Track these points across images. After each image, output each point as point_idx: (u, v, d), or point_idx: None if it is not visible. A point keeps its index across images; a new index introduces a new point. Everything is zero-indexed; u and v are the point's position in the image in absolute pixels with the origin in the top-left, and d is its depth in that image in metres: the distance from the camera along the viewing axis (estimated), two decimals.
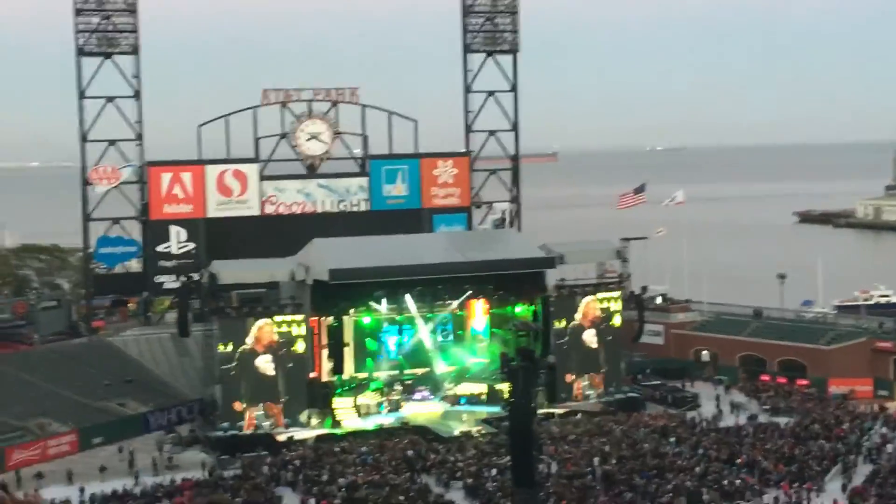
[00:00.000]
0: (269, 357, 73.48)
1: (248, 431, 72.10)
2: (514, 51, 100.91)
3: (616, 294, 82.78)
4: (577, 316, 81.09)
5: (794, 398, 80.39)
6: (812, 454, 64.44)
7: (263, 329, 73.34)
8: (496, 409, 74.82)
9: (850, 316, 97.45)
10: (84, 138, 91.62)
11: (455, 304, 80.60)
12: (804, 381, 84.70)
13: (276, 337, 73.53)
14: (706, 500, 57.13)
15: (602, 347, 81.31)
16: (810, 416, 74.16)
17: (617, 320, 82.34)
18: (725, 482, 59.62)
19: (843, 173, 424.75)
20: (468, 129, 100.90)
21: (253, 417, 72.72)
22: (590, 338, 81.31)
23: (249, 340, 73.10)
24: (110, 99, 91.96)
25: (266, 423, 72.79)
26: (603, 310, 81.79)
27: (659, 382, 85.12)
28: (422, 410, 77.48)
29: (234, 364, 72.62)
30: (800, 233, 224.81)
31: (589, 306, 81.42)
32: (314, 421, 73.96)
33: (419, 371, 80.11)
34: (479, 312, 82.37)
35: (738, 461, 63.36)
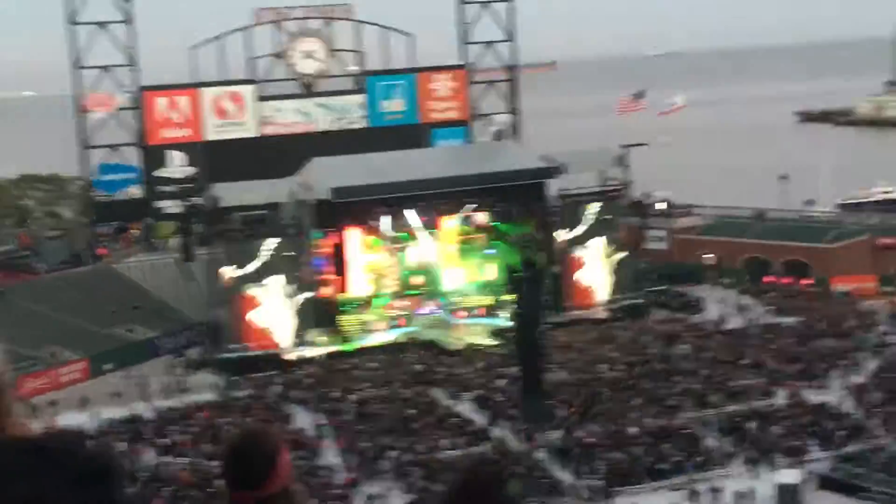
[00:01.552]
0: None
1: (256, 352, 72.61)
2: None
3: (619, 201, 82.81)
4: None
5: (799, 298, 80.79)
6: (817, 352, 64.99)
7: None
8: (502, 321, 75.50)
9: (852, 214, 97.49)
10: (77, 66, 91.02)
11: (456, 217, 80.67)
12: (808, 281, 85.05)
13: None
14: (712, 401, 57.75)
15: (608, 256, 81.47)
16: (815, 314, 74.61)
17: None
18: (731, 383, 60.23)
19: (843, 71, 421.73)
20: (464, 42, 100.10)
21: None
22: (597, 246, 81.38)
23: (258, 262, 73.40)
24: (102, 25, 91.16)
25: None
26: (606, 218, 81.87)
27: (664, 288, 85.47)
28: (429, 325, 77.97)
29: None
30: (800, 132, 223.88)
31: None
32: (322, 339, 74.46)
33: (425, 286, 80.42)
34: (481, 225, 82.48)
35: (744, 362, 63.93)
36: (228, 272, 72.91)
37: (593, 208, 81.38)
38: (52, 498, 2.62)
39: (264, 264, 73.53)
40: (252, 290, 73.19)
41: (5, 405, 2.93)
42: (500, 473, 4.03)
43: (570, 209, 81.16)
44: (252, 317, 73.42)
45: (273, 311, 73.67)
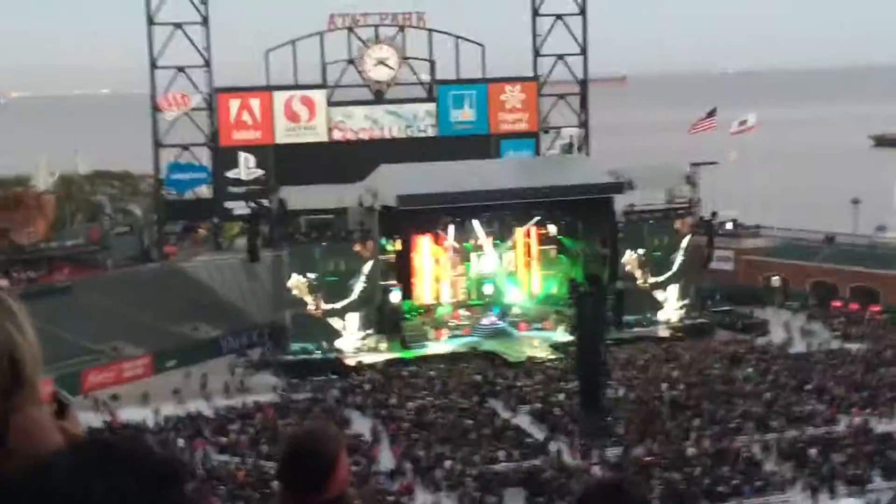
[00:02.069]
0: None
1: (317, 355, 73.03)
2: None
3: (686, 219, 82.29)
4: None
5: (867, 325, 79.62)
6: (884, 381, 63.98)
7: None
8: (564, 335, 75.27)
9: None
10: (153, 65, 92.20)
11: (522, 229, 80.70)
12: (877, 308, 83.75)
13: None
14: (774, 425, 57.08)
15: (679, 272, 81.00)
16: (883, 342, 73.48)
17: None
18: (794, 408, 59.49)
19: None
20: (536, 54, 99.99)
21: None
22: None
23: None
24: (178, 25, 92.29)
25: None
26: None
27: (728, 308, 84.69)
28: (490, 335, 77.93)
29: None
30: (875, 156, 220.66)
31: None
32: (383, 345, 74.73)
33: (488, 297, 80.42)
34: (547, 238, 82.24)
35: (808, 387, 63.13)
36: (297, 282, 73.38)
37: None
38: (124, 501, 2.67)
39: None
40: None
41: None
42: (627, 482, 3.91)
43: (636, 226, 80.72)
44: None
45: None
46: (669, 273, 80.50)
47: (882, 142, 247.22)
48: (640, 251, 79.85)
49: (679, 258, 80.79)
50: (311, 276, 73.49)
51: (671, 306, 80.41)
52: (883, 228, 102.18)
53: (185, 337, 77.15)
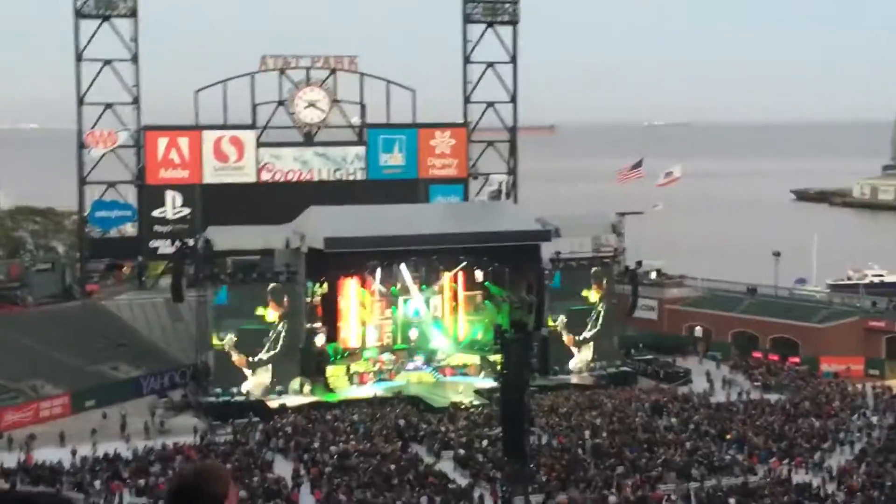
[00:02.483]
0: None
1: (240, 397, 72.32)
2: (514, 22, 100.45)
3: (610, 268, 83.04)
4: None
5: (786, 376, 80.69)
6: (802, 431, 64.80)
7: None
8: (489, 381, 75.29)
9: (843, 294, 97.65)
10: (81, 101, 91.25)
11: (449, 275, 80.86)
12: (796, 359, 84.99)
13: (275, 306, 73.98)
14: (695, 474, 57.46)
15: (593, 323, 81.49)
16: (801, 393, 74.49)
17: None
18: (715, 457, 59.97)
19: (841, 152, 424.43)
20: (466, 100, 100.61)
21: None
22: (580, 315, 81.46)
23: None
24: (108, 62, 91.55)
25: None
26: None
27: (651, 357, 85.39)
28: (414, 380, 77.74)
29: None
30: (796, 210, 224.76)
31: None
32: (306, 388, 74.21)
33: (414, 341, 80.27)
34: (473, 284, 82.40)
35: (728, 437, 63.72)
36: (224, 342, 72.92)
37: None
38: None
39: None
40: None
41: None
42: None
43: (562, 273, 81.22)
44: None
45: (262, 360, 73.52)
46: (586, 333, 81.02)
47: (803, 196, 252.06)
48: (562, 317, 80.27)
49: (596, 320, 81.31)
50: (233, 336, 72.82)
51: (583, 357, 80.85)
52: (802, 281, 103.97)
53: (105, 376, 75.97)
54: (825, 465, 59.55)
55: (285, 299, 74.29)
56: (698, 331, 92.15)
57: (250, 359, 73.24)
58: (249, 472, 57.14)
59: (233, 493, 4.37)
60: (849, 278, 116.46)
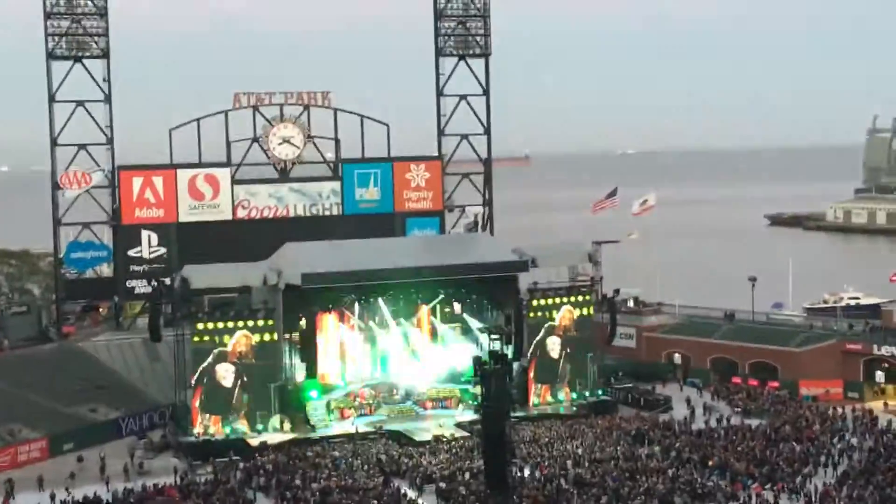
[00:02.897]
0: (230, 367, 73.25)
1: (219, 437, 71.89)
2: (486, 54, 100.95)
3: (588, 297, 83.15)
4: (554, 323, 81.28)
5: (766, 400, 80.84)
6: (783, 456, 64.88)
7: (239, 340, 73.35)
8: (469, 413, 75.12)
9: (820, 318, 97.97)
10: (54, 142, 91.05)
11: (427, 307, 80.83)
12: (775, 384, 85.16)
13: (252, 344, 73.58)
14: (678, 502, 57.38)
15: (566, 356, 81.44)
16: (781, 418, 74.64)
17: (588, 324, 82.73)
18: (697, 484, 59.94)
19: (814, 176, 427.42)
20: (440, 133, 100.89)
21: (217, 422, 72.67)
22: (553, 346, 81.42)
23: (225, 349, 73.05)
24: (80, 103, 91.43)
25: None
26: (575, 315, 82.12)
27: (631, 385, 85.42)
28: (395, 414, 77.48)
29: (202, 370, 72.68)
30: (771, 235, 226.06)
31: (564, 316, 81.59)
32: (286, 426, 73.86)
33: (392, 375, 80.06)
34: (451, 316, 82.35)
35: (710, 463, 63.72)
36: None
37: (566, 309, 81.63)
38: None
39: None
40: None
41: None
42: None
43: (539, 303, 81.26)
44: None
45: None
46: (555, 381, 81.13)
47: (777, 221, 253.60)
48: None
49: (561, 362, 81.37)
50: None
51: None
52: (779, 305, 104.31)
53: (84, 419, 75.38)
54: (807, 489, 59.56)
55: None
56: (677, 357, 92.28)
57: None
58: None
59: None
60: (825, 301, 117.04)
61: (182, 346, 73.53)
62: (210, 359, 72.84)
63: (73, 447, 71.23)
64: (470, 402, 75.70)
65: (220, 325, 73.12)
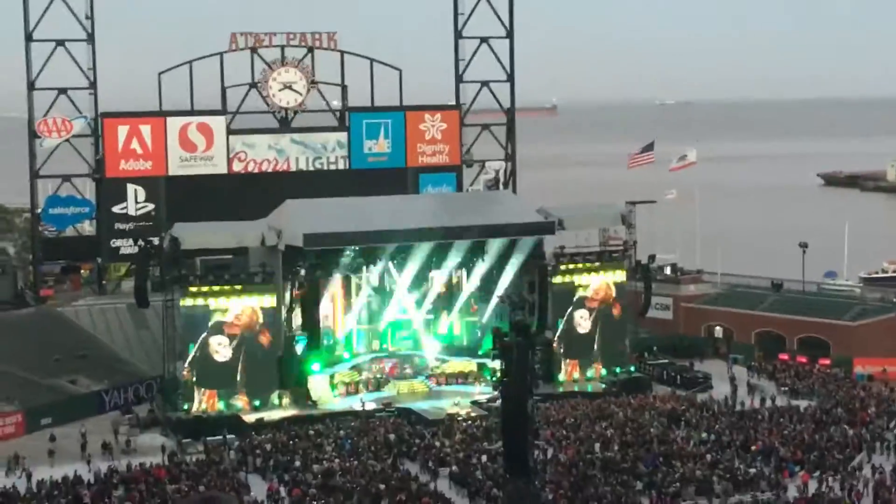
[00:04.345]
0: (225, 338, 73.35)
1: (212, 413, 72.18)
2: None
3: (620, 263, 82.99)
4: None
5: (816, 379, 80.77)
6: (834, 441, 64.84)
7: (245, 311, 73.52)
8: (487, 390, 75.23)
9: (878, 289, 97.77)
10: (31, 86, 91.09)
11: (443, 272, 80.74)
12: (827, 361, 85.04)
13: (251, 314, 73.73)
14: (717, 490, 57.49)
15: (595, 328, 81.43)
16: (833, 399, 74.55)
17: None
18: (738, 471, 60.00)
19: (873, 131, 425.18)
20: (459, 80, 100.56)
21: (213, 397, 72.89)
22: (582, 317, 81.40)
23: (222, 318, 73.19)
24: (60, 42, 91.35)
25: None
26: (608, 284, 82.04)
27: (667, 361, 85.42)
28: (405, 390, 77.67)
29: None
30: (824, 197, 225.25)
31: (594, 284, 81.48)
32: (285, 402, 74.10)
33: (403, 347, 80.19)
34: (468, 283, 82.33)
35: (753, 448, 63.75)
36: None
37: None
38: None
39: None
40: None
41: None
42: None
43: (567, 270, 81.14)
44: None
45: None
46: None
47: (831, 181, 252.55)
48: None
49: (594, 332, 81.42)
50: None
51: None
52: (832, 275, 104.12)
53: (63, 391, 75.75)
54: (859, 478, 59.54)
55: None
56: (718, 331, 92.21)
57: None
58: (227, 495, 56.92)
59: None
60: (884, 271, 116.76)
61: (171, 312, 73.70)
62: (204, 328, 72.96)
63: (51, 422, 71.58)
64: (488, 378, 75.76)
65: (214, 289, 73.17)
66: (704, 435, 66.11)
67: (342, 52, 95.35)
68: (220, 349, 73.26)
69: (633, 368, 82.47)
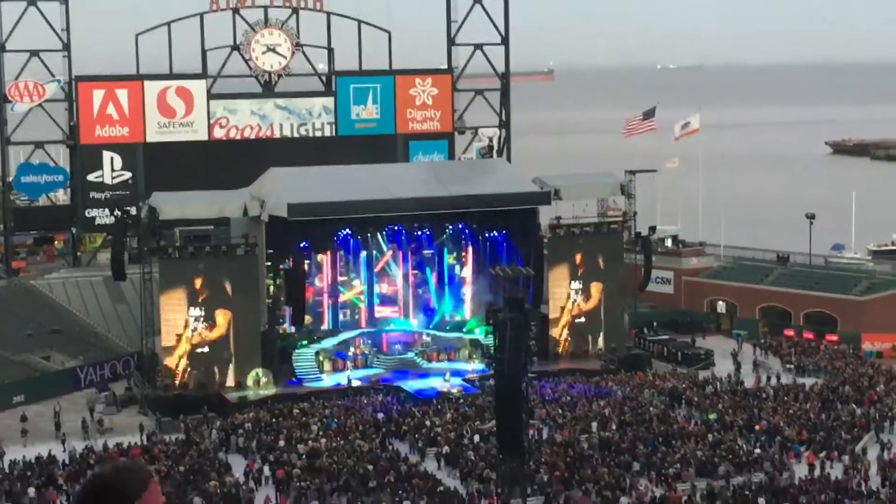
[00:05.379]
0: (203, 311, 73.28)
1: (192, 390, 72.25)
2: None
3: (619, 235, 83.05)
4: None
5: (822, 356, 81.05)
6: (841, 420, 65.13)
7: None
8: (480, 367, 75.40)
9: (888, 262, 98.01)
10: (1, 48, 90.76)
11: (434, 244, 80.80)
12: (834, 337, 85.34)
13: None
14: (720, 471, 57.74)
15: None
16: (840, 376, 74.84)
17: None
18: (741, 451, 60.25)
19: (882, 97, 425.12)
20: (451, 43, 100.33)
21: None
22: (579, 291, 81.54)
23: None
24: (32, 2, 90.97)
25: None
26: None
27: (667, 337, 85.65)
28: (395, 367, 77.80)
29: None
30: (832, 165, 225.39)
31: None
32: (269, 379, 74.03)
33: (393, 322, 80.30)
34: (463, 255, 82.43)
35: (757, 428, 64.01)
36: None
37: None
38: None
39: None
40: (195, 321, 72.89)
41: None
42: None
43: (563, 241, 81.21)
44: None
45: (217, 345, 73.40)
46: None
47: (840, 149, 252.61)
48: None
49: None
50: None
51: None
52: (839, 248, 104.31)
53: (36, 367, 75.82)
54: (867, 459, 59.84)
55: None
56: (721, 306, 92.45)
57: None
58: (205, 475, 57.18)
59: (153, 496, 4.72)
60: (893, 243, 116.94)
61: (149, 285, 73.71)
62: (180, 301, 72.96)
63: (23, 399, 71.67)
64: (481, 354, 75.95)
65: (194, 262, 73.14)
66: (713, 416, 66.25)
67: (328, 14, 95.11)
68: (200, 320, 73.24)
69: (632, 344, 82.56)
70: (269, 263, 75.62)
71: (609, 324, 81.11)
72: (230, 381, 73.37)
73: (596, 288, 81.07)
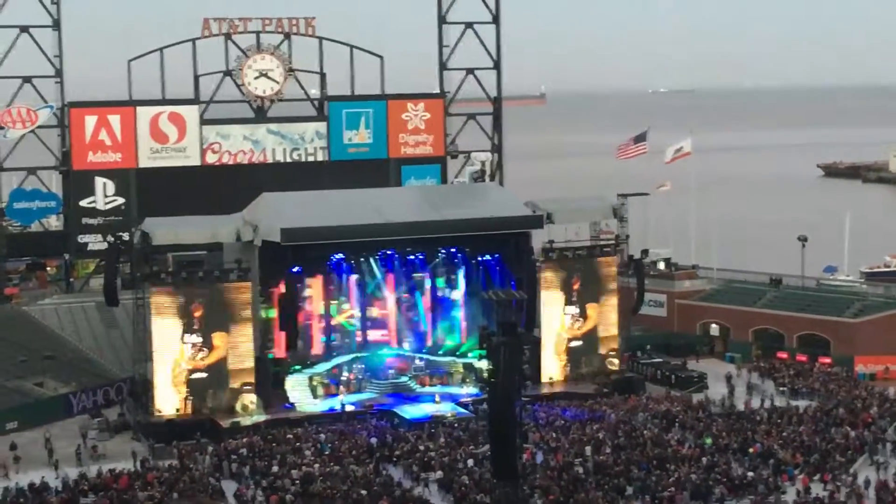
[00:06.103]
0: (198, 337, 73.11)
1: (185, 416, 72.05)
2: None
3: (612, 259, 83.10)
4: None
5: (816, 378, 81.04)
6: (835, 443, 65.09)
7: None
8: (474, 391, 75.32)
9: (880, 284, 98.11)
10: None
11: (426, 268, 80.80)
12: (827, 359, 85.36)
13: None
14: (714, 494, 57.67)
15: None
16: (834, 399, 74.83)
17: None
18: (735, 475, 60.19)
19: (875, 120, 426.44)
20: (443, 67, 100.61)
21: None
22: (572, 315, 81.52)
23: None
24: (25, 29, 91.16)
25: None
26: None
27: (660, 360, 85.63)
28: (389, 391, 77.67)
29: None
30: (824, 188, 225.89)
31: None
32: (251, 407, 73.26)
33: (385, 347, 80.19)
34: (455, 279, 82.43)
35: (751, 450, 63.96)
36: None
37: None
38: None
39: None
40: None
41: None
42: None
43: (556, 265, 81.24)
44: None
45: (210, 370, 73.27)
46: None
47: (832, 172, 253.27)
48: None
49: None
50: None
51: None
52: (832, 269, 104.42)
53: (29, 394, 75.65)
54: (861, 482, 59.80)
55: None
56: (714, 329, 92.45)
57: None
58: (197, 501, 56.98)
59: None
60: (886, 265, 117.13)
61: (142, 311, 73.62)
62: (173, 326, 72.84)
63: (17, 426, 71.49)
64: (475, 378, 75.89)
65: (187, 287, 73.03)
66: (709, 440, 66.14)
67: (321, 39, 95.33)
68: (195, 346, 73.07)
69: (625, 368, 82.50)
70: (261, 288, 75.51)
71: (606, 346, 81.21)
72: (223, 407, 73.18)
73: (592, 309, 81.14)
